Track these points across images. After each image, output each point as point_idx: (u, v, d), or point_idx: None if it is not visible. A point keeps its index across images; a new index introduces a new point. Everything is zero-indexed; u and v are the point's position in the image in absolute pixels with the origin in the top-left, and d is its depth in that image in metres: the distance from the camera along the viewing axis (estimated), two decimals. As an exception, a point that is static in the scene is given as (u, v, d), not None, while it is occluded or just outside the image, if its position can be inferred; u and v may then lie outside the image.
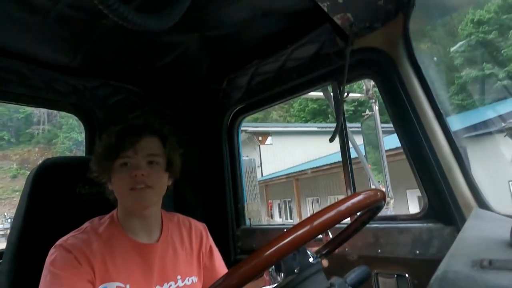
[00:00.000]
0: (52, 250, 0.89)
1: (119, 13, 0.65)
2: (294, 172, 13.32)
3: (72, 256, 0.86)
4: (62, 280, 0.84)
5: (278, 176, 14.27)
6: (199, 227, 1.16)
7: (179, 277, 1.01)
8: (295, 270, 0.66)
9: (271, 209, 16.02)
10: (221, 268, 1.15)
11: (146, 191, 0.93)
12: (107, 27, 1.16)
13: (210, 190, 1.86)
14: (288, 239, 0.52)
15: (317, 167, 11.94)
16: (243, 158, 1.94)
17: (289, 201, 15.63)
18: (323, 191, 13.62)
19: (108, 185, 0.99)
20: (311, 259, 0.67)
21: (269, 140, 16.23)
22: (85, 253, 0.88)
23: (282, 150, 15.90)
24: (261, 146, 15.89)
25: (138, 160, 0.94)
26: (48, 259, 0.88)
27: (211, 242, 1.17)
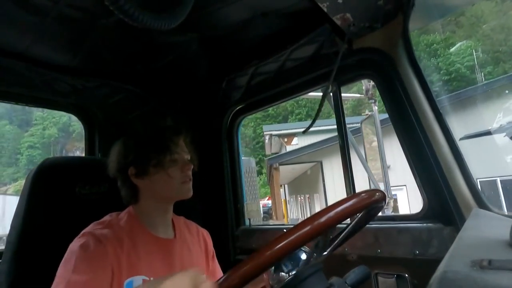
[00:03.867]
0: (80, 237, 0.88)
1: (124, 10, 0.64)
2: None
3: (102, 246, 0.86)
4: (89, 267, 0.82)
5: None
6: (204, 233, 1.20)
7: None
8: (295, 270, 0.66)
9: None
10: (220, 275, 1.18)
11: (190, 183, 1.04)
12: (107, 27, 1.16)
13: (209, 190, 1.85)
14: (288, 239, 0.52)
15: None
16: (242, 158, 1.94)
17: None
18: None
19: (135, 179, 0.99)
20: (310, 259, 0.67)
21: (295, 140, 16.54)
22: (114, 246, 0.88)
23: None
24: (288, 146, 16.23)
25: (185, 157, 1.04)
26: (76, 243, 0.86)
27: (213, 248, 1.20)
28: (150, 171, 0.98)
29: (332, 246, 0.82)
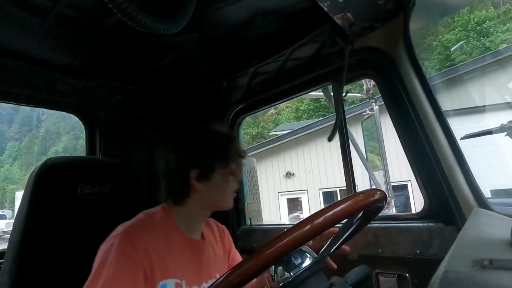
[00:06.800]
0: (115, 238, 0.85)
1: (127, 13, 0.64)
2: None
3: (134, 250, 0.84)
4: (120, 268, 0.81)
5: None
6: (223, 229, 1.21)
7: (217, 275, 1.03)
8: (296, 270, 0.66)
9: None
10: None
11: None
12: (107, 27, 1.16)
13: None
14: (288, 238, 0.52)
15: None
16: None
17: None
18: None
19: (194, 181, 0.95)
20: (311, 259, 0.67)
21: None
22: (147, 249, 0.86)
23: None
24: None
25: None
26: (108, 245, 0.84)
27: (231, 239, 1.22)
28: (212, 177, 0.97)
29: (333, 246, 0.82)
